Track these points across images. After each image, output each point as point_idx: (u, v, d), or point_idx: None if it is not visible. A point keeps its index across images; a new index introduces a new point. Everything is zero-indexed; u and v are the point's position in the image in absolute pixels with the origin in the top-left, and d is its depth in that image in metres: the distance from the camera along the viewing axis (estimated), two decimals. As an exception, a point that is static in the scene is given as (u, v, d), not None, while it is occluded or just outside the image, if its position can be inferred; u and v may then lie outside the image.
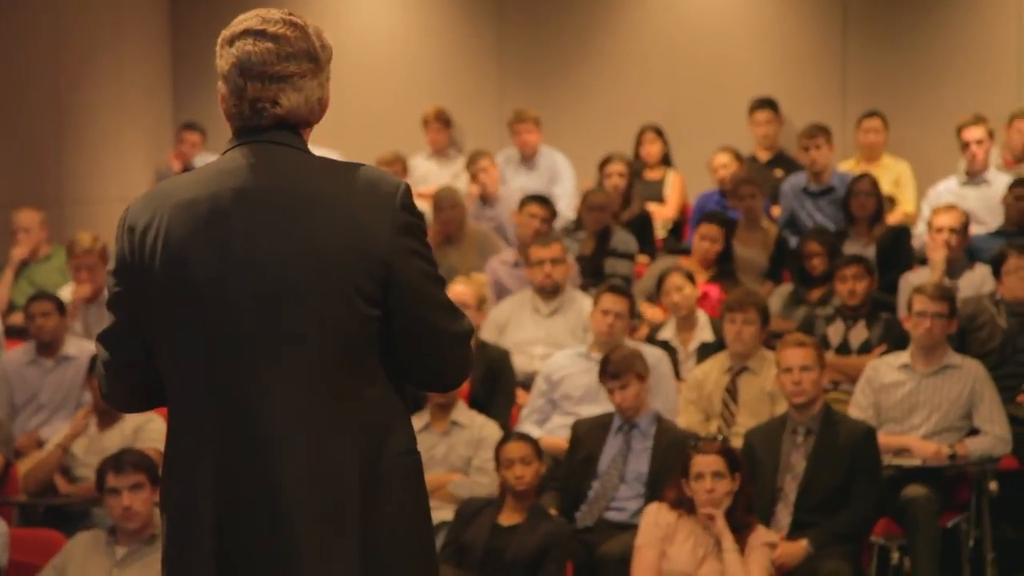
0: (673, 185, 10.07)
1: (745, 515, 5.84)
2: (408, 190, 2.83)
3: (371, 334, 2.81)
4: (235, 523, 2.79)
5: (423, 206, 9.37)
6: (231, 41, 2.85)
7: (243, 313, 2.77)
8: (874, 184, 8.64)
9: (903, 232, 8.62)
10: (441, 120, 10.44)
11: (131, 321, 2.87)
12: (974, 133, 8.99)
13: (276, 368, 2.79)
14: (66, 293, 8.17)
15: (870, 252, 8.28)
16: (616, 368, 6.45)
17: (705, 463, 5.82)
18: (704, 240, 8.27)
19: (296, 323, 2.78)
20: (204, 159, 10.28)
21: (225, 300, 2.78)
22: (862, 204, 8.50)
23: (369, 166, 2.86)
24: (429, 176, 10.37)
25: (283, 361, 2.79)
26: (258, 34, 2.82)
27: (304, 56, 2.82)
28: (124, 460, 5.77)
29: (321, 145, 9.83)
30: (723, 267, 8.30)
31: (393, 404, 2.87)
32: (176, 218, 2.80)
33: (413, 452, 2.90)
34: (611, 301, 7.09)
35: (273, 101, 2.81)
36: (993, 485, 6.50)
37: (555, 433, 6.94)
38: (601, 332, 7.06)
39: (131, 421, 6.78)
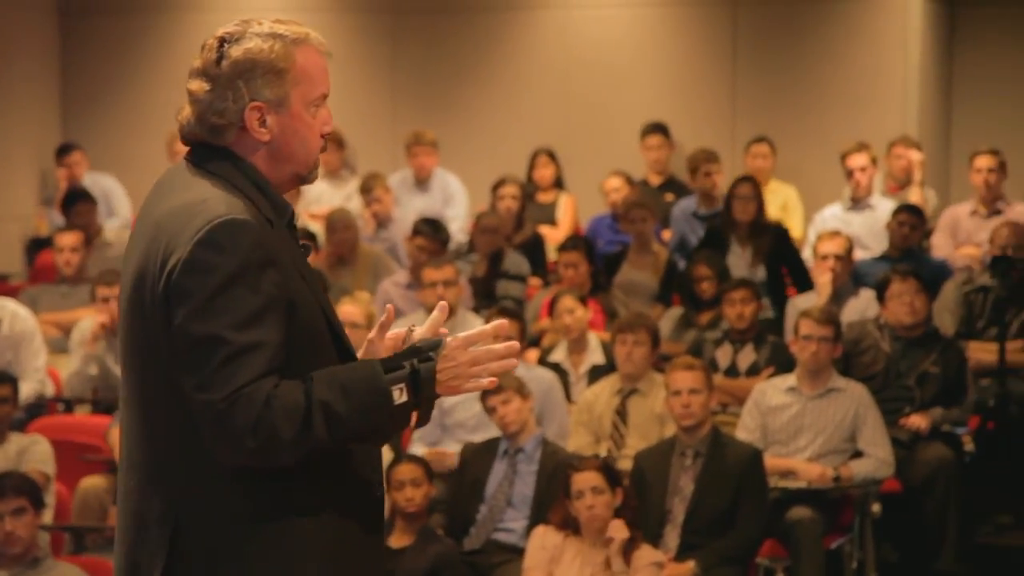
0: (565, 208, 10.11)
1: (630, 530, 5.85)
2: (224, 225, 2.53)
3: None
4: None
5: (316, 227, 9.36)
6: None
7: (119, 334, 2.72)
8: (756, 188, 8.50)
9: (784, 234, 8.58)
10: (334, 141, 10.40)
11: None
12: (857, 160, 9.11)
13: (127, 398, 2.69)
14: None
15: (758, 271, 8.28)
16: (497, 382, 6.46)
17: (584, 480, 5.84)
18: (568, 268, 8.29)
19: (127, 352, 2.65)
20: (92, 177, 10.14)
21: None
22: (744, 208, 8.40)
23: (218, 199, 2.60)
24: (322, 197, 10.32)
25: (128, 393, 2.68)
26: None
27: (201, 74, 2.67)
28: (5, 485, 5.67)
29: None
30: (595, 282, 8.32)
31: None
32: None
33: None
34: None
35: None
36: (876, 507, 6.58)
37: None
38: (492, 355, 7.05)
39: (15, 443, 6.68)
